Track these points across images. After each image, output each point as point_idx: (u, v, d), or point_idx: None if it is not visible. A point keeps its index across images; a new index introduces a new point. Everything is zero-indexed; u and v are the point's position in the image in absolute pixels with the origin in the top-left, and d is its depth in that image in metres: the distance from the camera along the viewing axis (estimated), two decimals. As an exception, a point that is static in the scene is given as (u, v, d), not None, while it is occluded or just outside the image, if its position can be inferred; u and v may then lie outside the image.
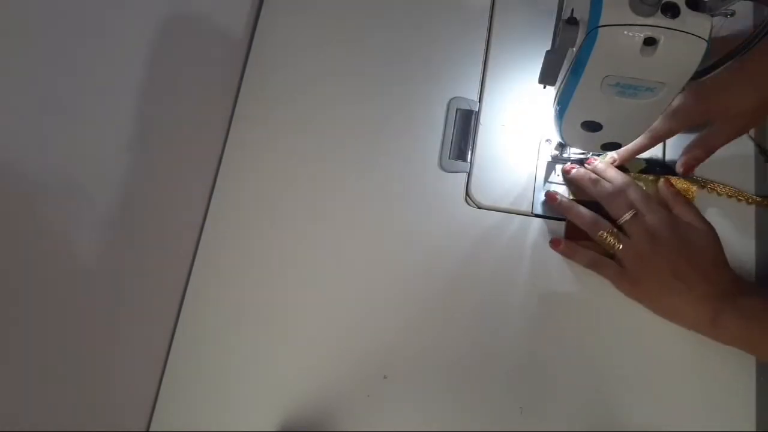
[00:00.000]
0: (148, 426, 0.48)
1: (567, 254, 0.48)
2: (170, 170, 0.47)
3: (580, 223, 0.48)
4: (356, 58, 0.55)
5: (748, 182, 0.50)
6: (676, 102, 0.44)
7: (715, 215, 0.49)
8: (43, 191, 0.33)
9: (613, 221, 0.46)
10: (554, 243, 0.49)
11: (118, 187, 0.40)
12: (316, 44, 0.56)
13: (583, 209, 0.48)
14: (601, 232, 0.46)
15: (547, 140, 0.51)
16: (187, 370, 0.49)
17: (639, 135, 0.42)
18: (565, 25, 0.34)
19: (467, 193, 0.51)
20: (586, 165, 0.49)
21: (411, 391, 0.47)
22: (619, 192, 0.46)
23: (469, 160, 0.52)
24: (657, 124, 0.46)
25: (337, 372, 0.48)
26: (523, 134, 0.52)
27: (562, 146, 0.50)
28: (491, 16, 0.55)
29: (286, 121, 0.54)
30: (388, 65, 0.54)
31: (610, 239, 0.46)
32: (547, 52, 0.38)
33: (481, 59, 0.54)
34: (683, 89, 0.36)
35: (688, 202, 0.47)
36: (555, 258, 0.49)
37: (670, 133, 0.46)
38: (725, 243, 0.45)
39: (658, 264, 0.44)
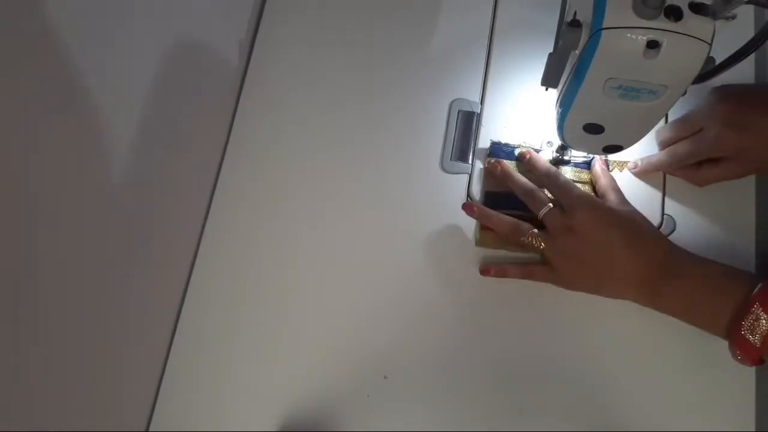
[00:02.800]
0: (148, 426, 0.48)
1: (500, 276, 0.48)
2: (172, 171, 0.47)
3: (501, 232, 0.47)
4: (358, 59, 0.55)
5: (749, 181, 0.50)
6: (711, 131, 0.44)
7: (714, 209, 0.49)
8: (44, 191, 0.33)
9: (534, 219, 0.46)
10: (484, 272, 0.48)
11: (119, 188, 0.40)
12: (317, 45, 0.56)
13: (504, 217, 0.47)
14: (522, 237, 0.46)
15: (548, 142, 0.51)
16: (187, 370, 0.49)
17: (641, 137, 0.42)
18: (568, 27, 0.35)
19: (468, 195, 0.51)
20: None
21: (411, 392, 0.47)
22: (536, 187, 0.47)
23: (470, 161, 0.52)
24: (680, 147, 0.46)
25: (337, 372, 0.48)
26: (525, 136, 0.52)
27: (563, 148, 0.50)
28: (493, 18, 0.55)
29: (287, 121, 0.54)
30: (390, 67, 0.55)
31: (532, 241, 0.45)
32: (550, 54, 0.38)
33: (483, 61, 0.54)
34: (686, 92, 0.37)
35: (613, 184, 0.47)
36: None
37: (692, 158, 0.46)
38: (725, 237, 0.45)
39: (584, 258, 0.44)
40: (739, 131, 0.43)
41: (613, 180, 0.48)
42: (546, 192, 0.47)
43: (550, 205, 0.45)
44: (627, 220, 0.44)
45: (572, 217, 0.44)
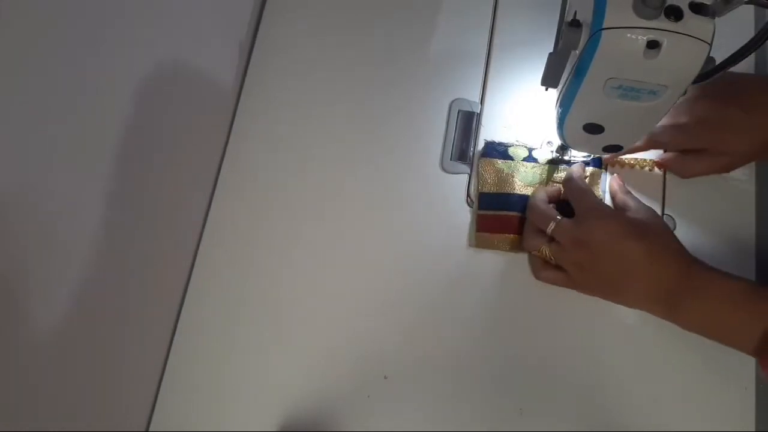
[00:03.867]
0: (148, 426, 0.48)
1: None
2: (172, 170, 0.47)
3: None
4: (358, 59, 0.55)
5: (748, 181, 0.50)
6: (687, 125, 0.44)
7: (714, 209, 0.49)
8: (45, 192, 0.33)
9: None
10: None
11: (120, 189, 0.40)
12: (317, 45, 0.56)
13: (527, 225, 0.48)
14: (534, 252, 0.47)
15: (548, 142, 0.51)
16: (187, 370, 0.49)
17: (641, 137, 0.42)
18: (568, 27, 0.35)
19: (468, 195, 0.51)
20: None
21: (411, 392, 0.47)
22: (539, 202, 0.47)
23: (470, 161, 0.52)
24: (660, 135, 0.46)
25: (337, 372, 0.48)
26: (525, 136, 0.52)
27: (563, 148, 0.50)
28: (494, 18, 0.55)
29: (287, 121, 0.54)
30: (390, 66, 0.55)
31: (545, 252, 0.45)
32: (550, 54, 0.38)
33: (483, 61, 0.54)
34: (685, 93, 0.37)
35: (628, 191, 0.47)
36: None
37: (671, 146, 0.47)
38: (725, 237, 0.45)
39: (600, 270, 0.43)
40: (712, 127, 0.43)
41: (629, 192, 0.47)
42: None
43: (558, 218, 0.44)
44: (645, 232, 0.42)
45: (583, 229, 0.42)
